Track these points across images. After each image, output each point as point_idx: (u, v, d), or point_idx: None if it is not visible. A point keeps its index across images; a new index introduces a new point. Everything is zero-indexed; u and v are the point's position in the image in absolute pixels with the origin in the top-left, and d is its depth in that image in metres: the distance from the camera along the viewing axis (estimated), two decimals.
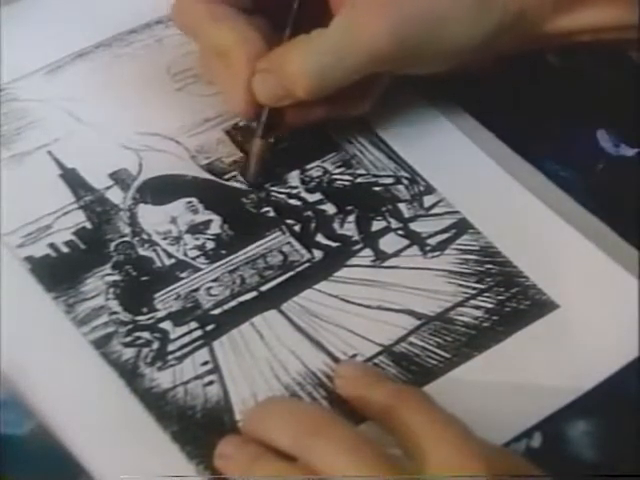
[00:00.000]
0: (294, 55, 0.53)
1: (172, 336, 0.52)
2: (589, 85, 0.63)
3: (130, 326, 0.52)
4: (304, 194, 0.57)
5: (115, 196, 0.56)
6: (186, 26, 0.57)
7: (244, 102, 0.55)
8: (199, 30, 0.56)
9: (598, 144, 0.60)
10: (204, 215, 0.56)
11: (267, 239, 0.55)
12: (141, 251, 0.55)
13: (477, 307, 0.54)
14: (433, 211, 0.57)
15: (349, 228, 0.56)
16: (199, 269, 0.54)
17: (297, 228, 0.56)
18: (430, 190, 0.58)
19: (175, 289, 0.53)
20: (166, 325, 0.52)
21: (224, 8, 0.55)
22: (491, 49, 0.55)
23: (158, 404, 0.50)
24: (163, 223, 0.56)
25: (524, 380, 0.52)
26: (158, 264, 0.54)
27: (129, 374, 0.50)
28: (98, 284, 0.53)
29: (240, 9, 0.55)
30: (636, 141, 0.60)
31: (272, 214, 0.57)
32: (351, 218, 0.57)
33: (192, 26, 0.56)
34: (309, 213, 0.57)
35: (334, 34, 0.53)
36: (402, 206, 0.57)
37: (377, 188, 0.58)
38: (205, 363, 0.51)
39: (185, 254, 0.55)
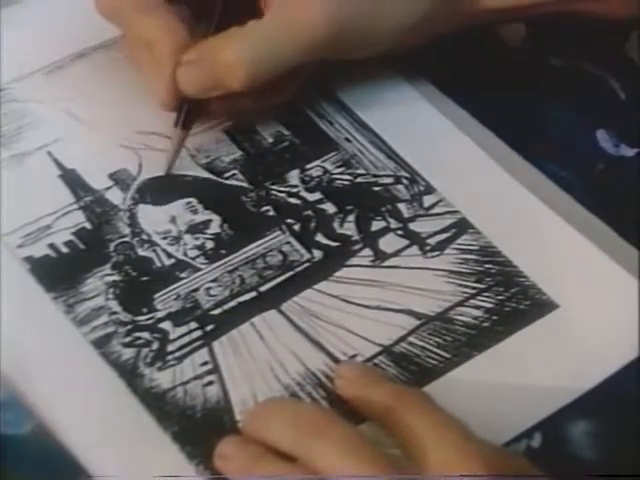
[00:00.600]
0: (230, 45, 0.53)
1: (172, 336, 0.52)
2: (589, 85, 0.63)
3: (130, 326, 0.52)
4: (304, 193, 0.57)
5: (115, 196, 0.56)
6: (110, 14, 0.56)
7: (166, 93, 0.55)
8: (124, 19, 0.55)
9: (598, 144, 0.60)
10: (204, 215, 0.56)
11: (267, 238, 0.55)
12: (141, 251, 0.55)
13: (477, 307, 0.54)
14: (433, 211, 0.57)
15: (349, 228, 0.56)
16: (199, 269, 0.54)
17: (297, 227, 0.56)
18: (430, 190, 0.58)
19: (175, 289, 0.53)
20: (166, 325, 0.52)
21: None
22: (427, 29, 0.56)
23: (158, 404, 0.50)
24: (163, 223, 0.56)
25: (524, 380, 0.52)
26: (158, 264, 0.54)
27: (129, 374, 0.50)
28: (98, 284, 0.53)
29: None
30: (636, 141, 0.60)
31: (272, 213, 0.57)
32: (351, 218, 0.57)
33: (116, 14, 0.56)
34: (309, 212, 0.57)
35: (270, 24, 0.53)
36: (402, 206, 0.57)
37: (377, 188, 0.58)
38: (205, 363, 0.51)
39: (185, 254, 0.55)
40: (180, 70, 0.54)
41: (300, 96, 0.60)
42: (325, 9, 0.53)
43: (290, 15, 0.53)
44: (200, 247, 0.55)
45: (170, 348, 0.51)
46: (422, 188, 0.58)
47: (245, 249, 0.55)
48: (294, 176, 0.58)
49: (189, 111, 0.56)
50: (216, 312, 0.53)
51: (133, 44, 0.56)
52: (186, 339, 0.52)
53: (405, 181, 0.58)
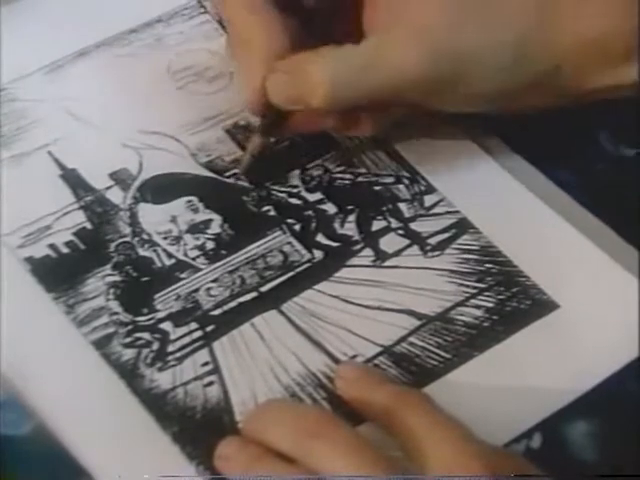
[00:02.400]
0: (318, 62, 0.52)
1: (172, 337, 0.52)
2: None
3: (130, 327, 0.52)
4: (304, 193, 0.57)
5: (115, 196, 0.56)
6: (220, 6, 0.56)
7: (254, 96, 0.54)
8: (230, 14, 0.55)
9: (598, 144, 0.60)
10: (204, 214, 0.56)
11: (267, 239, 0.55)
12: (141, 251, 0.55)
13: (477, 307, 0.54)
14: (433, 211, 0.57)
15: (349, 228, 0.56)
16: (199, 269, 0.54)
17: (297, 228, 0.56)
18: (431, 190, 0.58)
19: (175, 290, 0.53)
20: (166, 326, 0.52)
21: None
22: (519, 100, 0.54)
23: (158, 405, 0.50)
24: (163, 223, 0.56)
25: (524, 380, 0.52)
26: (158, 264, 0.54)
27: (129, 375, 0.50)
28: (98, 285, 0.53)
29: (277, 4, 0.54)
30: (636, 141, 0.60)
31: (272, 213, 0.57)
32: (352, 218, 0.57)
33: (225, 8, 0.55)
34: (309, 213, 0.57)
35: (363, 52, 0.51)
36: (402, 205, 0.57)
37: (378, 187, 0.58)
38: (205, 364, 0.51)
39: (185, 254, 0.55)
40: (271, 77, 0.53)
41: None
42: (420, 51, 0.51)
43: (384, 48, 0.51)
44: (201, 247, 0.55)
45: (170, 349, 0.52)
46: (423, 188, 0.58)
47: (246, 249, 0.55)
48: (295, 176, 0.58)
49: (272, 119, 0.55)
50: (216, 312, 0.53)
51: (234, 40, 0.55)
52: (186, 339, 0.52)
53: (406, 181, 0.58)
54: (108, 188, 0.57)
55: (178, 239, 0.55)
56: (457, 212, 0.57)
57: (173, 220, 0.56)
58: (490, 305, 0.54)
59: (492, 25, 0.51)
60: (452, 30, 0.51)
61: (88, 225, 0.55)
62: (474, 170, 0.59)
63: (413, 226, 0.56)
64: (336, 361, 0.52)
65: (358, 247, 0.56)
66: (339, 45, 0.52)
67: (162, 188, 0.57)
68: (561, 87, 0.53)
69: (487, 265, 0.55)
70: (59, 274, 0.53)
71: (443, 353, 0.52)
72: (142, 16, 0.63)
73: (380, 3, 0.53)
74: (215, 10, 0.57)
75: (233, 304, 0.53)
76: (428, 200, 0.57)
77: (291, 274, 0.54)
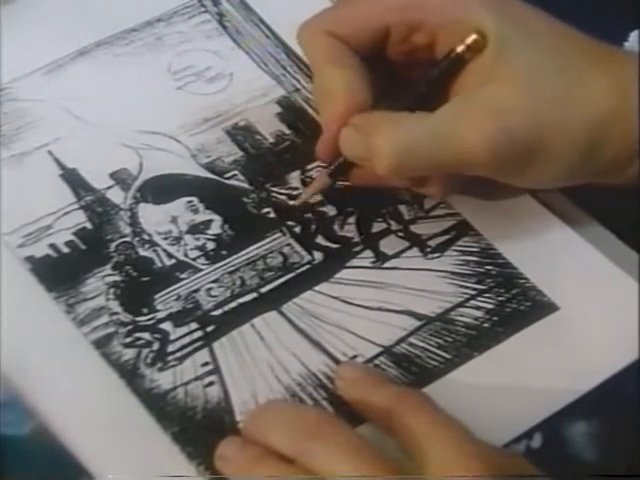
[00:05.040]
0: (386, 129, 0.51)
1: (172, 337, 0.52)
2: None
3: (130, 327, 0.52)
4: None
5: (116, 196, 0.56)
6: (306, 53, 0.56)
7: (326, 144, 0.54)
8: (315, 65, 0.55)
9: None
10: (204, 215, 0.56)
11: (267, 240, 0.55)
12: (141, 251, 0.55)
13: (477, 308, 0.54)
14: (433, 213, 0.57)
15: (349, 230, 0.56)
16: (199, 270, 0.54)
17: (297, 229, 0.56)
18: None
19: (175, 290, 0.53)
20: (166, 326, 0.52)
21: (344, 50, 0.53)
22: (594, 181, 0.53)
23: (158, 405, 0.50)
24: (164, 223, 0.56)
25: (524, 381, 0.52)
26: (158, 265, 0.54)
27: (129, 375, 0.50)
28: (98, 284, 0.53)
29: (361, 55, 0.54)
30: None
31: (272, 215, 0.57)
32: (351, 220, 0.57)
33: (310, 57, 0.55)
34: (309, 215, 0.57)
35: (432, 125, 0.51)
36: (402, 208, 0.57)
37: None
38: (205, 364, 0.51)
39: (185, 254, 0.55)
40: (344, 130, 0.53)
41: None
42: (489, 132, 0.50)
43: (456, 122, 0.51)
44: (201, 248, 0.55)
45: (171, 349, 0.52)
46: None
47: (246, 250, 0.55)
48: (295, 177, 0.58)
49: (341, 165, 0.55)
50: (217, 313, 0.53)
51: (318, 89, 0.55)
52: (187, 340, 0.52)
53: None
54: (108, 188, 0.57)
55: (178, 239, 0.55)
56: (457, 214, 0.57)
57: (173, 220, 0.56)
58: (490, 306, 0.54)
59: (566, 108, 0.51)
60: (528, 114, 0.50)
61: (88, 225, 0.55)
62: None
63: (413, 228, 0.56)
64: (336, 361, 0.52)
65: (358, 249, 0.56)
66: (413, 111, 0.51)
67: (162, 188, 0.57)
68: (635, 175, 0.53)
69: (487, 267, 0.55)
70: (59, 274, 0.53)
71: (443, 353, 0.52)
72: (142, 15, 0.63)
73: (467, 77, 0.52)
74: (301, 47, 0.56)
75: (233, 305, 0.53)
76: (428, 202, 0.57)
77: (291, 275, 0.54)
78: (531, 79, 0.51)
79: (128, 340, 0.52)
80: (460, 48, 0.51)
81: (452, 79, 0.52)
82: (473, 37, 0.51)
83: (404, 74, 0.55)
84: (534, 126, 0.50)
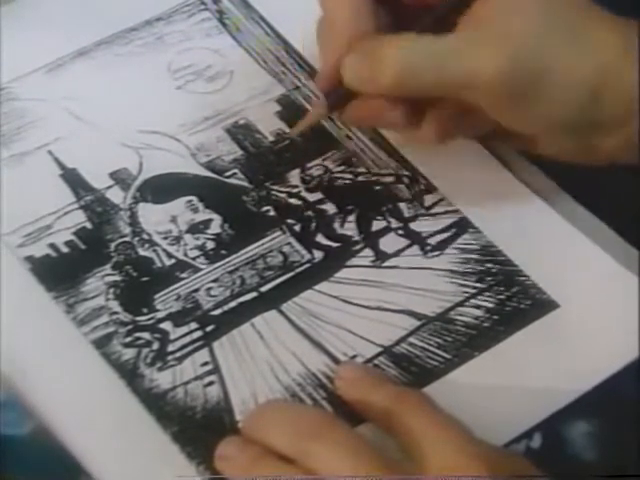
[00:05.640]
0: (394, 43, 0.52)
1: (172, 337, 0.52)
2: None
3: (130, 326, 0.52)
4: (304, 194, 0.57)
5: (115, 196, 0.56)
6: None
7: (327, 72, 0.54)
8: None
9: None
10: (204, 214, 0.56)
11: (267, 239, 0.55)
12: (141, 251, 0.55)
13: (477, 307, 0.54)
14: (433, 210, 0.57)
15: (349, 228, 0.56)
16: (199, 269, 0.54)
17: (297, 228, 0.56)
18: (431, 189, 0.58)
19: (175, 289, 0.53)
20: (166, 326, 0.52)
21: None
22: (590, 145, 0.53)
23: (158, 405, 0.50)
24: (163, 222, 0.56)
25: (524, 380, 0.52)
26: (158, 264, 0.54)
27: (129, 374, 0.51)
28: (98, 284, 0.53)
29: None
30: None
31: (272, 213, 0.57)
32: (351, 218, 0.56)
33: None
34: (309, 213, 0.57)
35: (442, 44, 0.51)
36: (402, 205, 0.57)
37: (378, 187, 0.58)
38: (205, 364, 0.51)
39: (185, 254, 0.55)
40: (347, 56, 0.53)
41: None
42: (500, 54, 0.50)
43: (464, 44, 0.51)
44: (201, 247, 0.55)
45: (170, 348, 0.52)
46: (423, 187, 0.58)
47: (246, 249, 0.55)
48: (295, 175, 0.58)
49: (340, 96, 0.54)
50: (217, 312, 0.53)
51: (321, 19, 0.55)
52: (186, 339, 0.52)
53: (406, 180, 0.58)
54: (108, 188, 0.57)
55: (178, 239, 0.55)
56: (457, 211, 0.57)
57: (173, 220, 0.56)
58: (490, 305, 0.54)
59: (574, 47, 0.51)
60: (535, 40, 0.50)
61: (88, 225, 0.55)
62: (474, 169, 0.59)
63: (413, 226, 0.56)
64: (336, 361, 0.52)
65: (358, 247, 0.56)
66: (421, 34, 0.52)
67: (162, 188, 0.57)
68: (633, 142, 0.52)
69: (487, 265, 0.55)
70: (59, 273, 0.53)
71: (443, 353, 0.52)
72: (142, 14, 0.63)
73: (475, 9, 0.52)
74: None
75: (233, 304, 0.53)
76: (428, 199, 0.57)
77: (291, 274, 0.54)
78: (543, 11, 0.51)
79: (128, 340, 0.52)
80: None
81: (461, 11, 0.52)
82: None
83: (410, 5, 0.55)
84: (544, 54, 0.50)
